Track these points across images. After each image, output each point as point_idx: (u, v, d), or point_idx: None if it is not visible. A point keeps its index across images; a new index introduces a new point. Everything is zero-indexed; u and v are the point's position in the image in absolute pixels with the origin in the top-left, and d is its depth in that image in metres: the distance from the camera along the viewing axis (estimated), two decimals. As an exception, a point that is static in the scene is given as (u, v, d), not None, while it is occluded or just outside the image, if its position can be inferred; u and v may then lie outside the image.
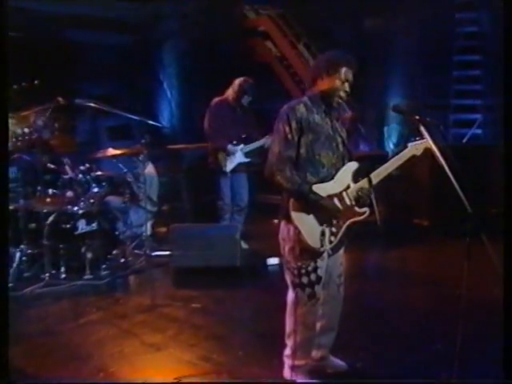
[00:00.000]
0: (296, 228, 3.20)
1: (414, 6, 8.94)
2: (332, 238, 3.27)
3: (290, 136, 3.19)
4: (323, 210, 3.21)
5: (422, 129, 3.22)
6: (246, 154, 6.47)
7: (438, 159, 3.15)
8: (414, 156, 3.32)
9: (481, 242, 3.12)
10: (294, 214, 3.18)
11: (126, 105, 7.36)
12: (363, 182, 3.29)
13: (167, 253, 6.08)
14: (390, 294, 5.19)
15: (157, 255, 6.34)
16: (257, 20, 10.40)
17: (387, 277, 5.79)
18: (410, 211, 7.90)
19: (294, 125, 3.19)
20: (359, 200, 3.30)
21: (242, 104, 6.44)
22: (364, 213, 3.32)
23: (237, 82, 6.42)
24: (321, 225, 3.22)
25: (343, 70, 3.25)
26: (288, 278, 3.38)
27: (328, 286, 3.45)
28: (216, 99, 6.45)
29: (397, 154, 3.36)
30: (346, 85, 3.27)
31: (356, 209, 3.31)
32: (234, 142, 6.40)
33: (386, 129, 9.58)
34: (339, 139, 3.37)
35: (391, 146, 9.51)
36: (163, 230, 7.43)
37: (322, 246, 3.23)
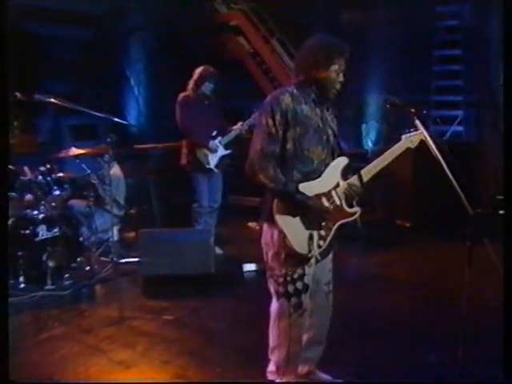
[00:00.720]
0: (281, 232, 2.99)
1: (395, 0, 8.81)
2: (321, 243, 3.07)
3: (273, 130, 2.98)
4: (311, 212, 3.00)
5: (418, 122, 3.10)
6: (226, 146, 6.34)
7: (434, 154, 3.01)
8: (408, 149, 3.16)
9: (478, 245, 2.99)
10: (278, 217, 2.97)
11: (91, 102, 7.16)
12: (353, 179, 3.10)
13: (136, 260, 5.88)
14: (377, 300, 5.03)
15: (125, 262, 6.12)
16: (228, 14, 10.31)
17: (372, 283, 5.62)
18: (392, 211, 7.74)
19: (278, 117, 2.98)
20: (349, 199, 3.11)
21: (205, 93, 6.26)
22: (355, 213, 3.14)
23: (196, 71, 6.28)
24: (308, 228, 3.02)
25: (339, 60, 3.05)
26: (271, 287, 3.17)
27: (315, 295, 3.25)
28: (182, 94, 6.29)
29: (387, 148, 3.17)
30: (341, 75, 3.08)
31: (346, 209, 3.11)
32: (214, 134, 6.26)
33: (364, 126, 9.48)
34: (329, 131, 3.16)
35: (370, 144, 9.40)
36: (131, 235, 7.26)
37: (309, 251, 3.03)
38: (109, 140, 5.68)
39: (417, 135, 3.16)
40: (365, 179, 3.10)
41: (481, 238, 3.05)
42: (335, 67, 3.03)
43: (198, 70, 6.26)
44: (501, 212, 7.63)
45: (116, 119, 5.86)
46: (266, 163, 2.95)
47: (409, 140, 3.16)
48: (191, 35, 9.52)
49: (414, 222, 7.52)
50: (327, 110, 3.18)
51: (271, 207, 2.99)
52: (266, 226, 3.11)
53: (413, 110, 3.11)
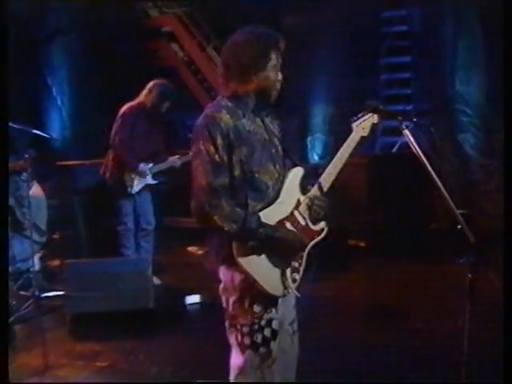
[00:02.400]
0: (245, 275, 2.60)
1: (338, 3, 8.66)
2: (295, 276, 2.71)
3: (217, 157, 2.55)
4: (278, 244, 2.62)
5: (407, 132, 2.77)
6: (155, 176, 6.00)
7: (425, 167, 2.80)
8: (362, 138, 2.84)
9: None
10: (241, 260, 2.57)
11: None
12: (314, 191, 2.74)
13: (61, 294, 5.48)
14: (331, 329, 4.83)
15: (48, 297, 5.72)
16: (160, 19, 10.05)
17: (325, 311, 5.39)
18: (344, 230, 7.49)
19: (219, 141, 2.55)
20: (314, 215, 2.75)
21: (161, 112, 5.93)
22: (322, 230, 2.78)
23: (155, 85, 5.87)
24: (279, 264, 2.66)
25: (275, 53, 2.65)
26: (233, 339, 2.75)
27: (279, 338, 2.81)
28: (130, 105, 5.89)
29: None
30: (279, 73, 2.69)
31: (312, 227, 2.75)
32: (143, 160, 5.90)
33: (309, 139, 9.33)
34: (276, 141, 2.77)
35: (316, 157, 9.24)
36: (55, 263, 6.88)
37: (285, 289, 2.67)
38: (27, 156, 5.45)
39: (366, 120, 2.85)
40: (325, 187, 2.75)
41: (476, 266, 2.68)
42: (273, 63, 2.64)
43: (158, 87, 5.86)
44: (459, 227, 7.54)
45: (35, 132, 5.69)
46: (218, 200, 2.53)
47: (360, 128, 2.83)
48: (120, 41, 9.18)
49: (369, 242, 7.32)
50: (267, 117, 2.80)
51: (228, 248, 2.59)
52: (222, 269, 2.70)
53: (400, 118, 2.77)
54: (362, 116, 2.84)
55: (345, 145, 2.81)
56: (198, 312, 5.42)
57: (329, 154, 8.82)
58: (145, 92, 5.86)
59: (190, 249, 7.52)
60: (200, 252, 7.17)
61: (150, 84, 5.88)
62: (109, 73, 8.46)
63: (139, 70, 6.09)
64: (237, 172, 2.60)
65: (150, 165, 5.91)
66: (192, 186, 2.61)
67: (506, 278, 2.73)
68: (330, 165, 2.77)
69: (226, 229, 2.53)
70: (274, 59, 2.64)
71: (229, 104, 2.63)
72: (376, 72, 8.99)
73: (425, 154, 2.78)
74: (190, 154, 5.93)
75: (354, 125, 2.83)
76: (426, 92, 8.34)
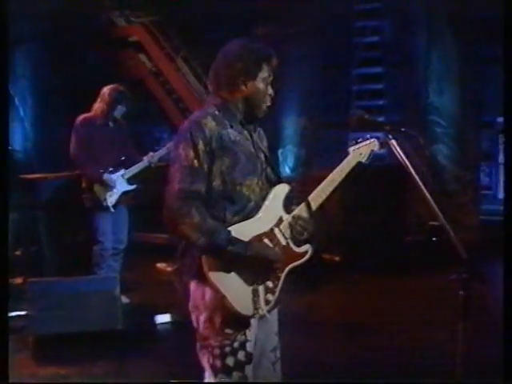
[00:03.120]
0: (215, 291, 2.45)
1: (309, 13, 8.63)
2: (269, 297, 2.55)
3: (196, 163, 2.45)
4: (250, 262, 2.48)
5: (393, 142, 2.68)
6: (130, 180, 5.76)
7: (414, 179, 2.72)
8: (359, 164, 2.75)
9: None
10: (211, 274, 2.44)
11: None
12: (299, 211, 2.61)
13: (24, 314, 5.28)
14: (306, 348, 4.68)
15: (10, 317, 5.30)
16: (128, 28, 9.86)
17: (299, 328, 5.20)
18: (318, 245, 7.38)
19: (201, 147, 2.45)
20: (297, 236, 2.60)
21: (115, 117, 5.73)
22: (305, 253, 2.63)
23: (105, 90, 5.69)
24: (251, 282, 2.50)
25: (267, 66, 2.60)
26: (204, 360, 2.60)
27: (260, 366, 2.69)
28: (82, 116, 5.71)
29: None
30: (269, 87, 2.61)
31: (294, 249, 2.60)
32: (111, 169, 5.66)
33: (280, 151, 9.26)
34: (262, 156, 2.65)
35: (287, 170, 9.13)
36: (17, 281, 6.49)
37: (256, 309, 2.51)
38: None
39: (366, 145, 2.75)
40: (313, 208, 2.62)
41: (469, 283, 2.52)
42: (264, 75, 2.58)
43: (107, 90, 5.69)
44: (434, 239, 7.57)
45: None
46: (188, 207, 2.40)
47: (357, 153, 2.74)
48: (85, 50, 9.02)
49: (344, 256, 7.21)
50: (255, 131, 2.70)
51: (199, 262, 2.45)
52: (193, 285, 2.56)
53: (387, 128, 2.67)
54: (362, 141, 2.75)
55: (338, 168, 2.70)
56: (169, 332, 5.26)
57: (300, 166, 8.75)
58: (98, 100, 5.71)
59: (159, 265, 7.32)
60: (170, 269, 6.97)
61: (104, 90, 5.72)
62: (73, 83, 8.30)
63: (105, 81, 5.91)
64: (216, 182, 2.48)
65: (122, 171, 5.70)
66: (166, 192, 2.47)
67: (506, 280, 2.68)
68: (320, 185, 2.65)
69: (193, 240, 2.41)
70: (265, 72, 2.58)
71: (216, 112, 2.54)
72: (348, 83, 8.99)
73: (413, 166, 2.71)
74: (167, 146, 5.86)
75: (350, 149, 2.73)
76: (399, 103, 8.32)
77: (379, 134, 2.78)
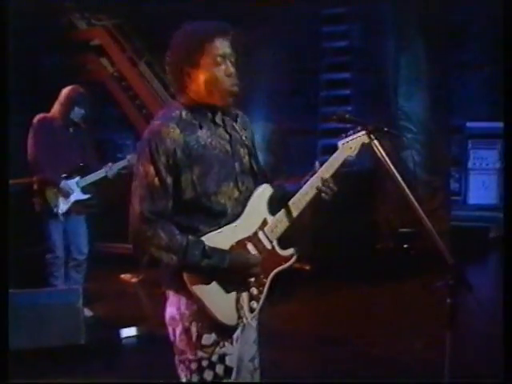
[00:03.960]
0: (194, 301, 2.32)
1: (274, 18, 8.56)
2: (253, 304, 2.43)
3: (156, 181, 2.26)
4: (229, 271, 2.34)
5: (376, 143, 2.56)
6: (84, 189, 5.58)
7: (397, 180, 2.58)
8: (348, 157, 2.59)
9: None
10: (191, 285, 2.31)
11: None
12: (281, 214, 2.46)
13: None
14: (279, 363, 4.49)
15: None
16: (89, 31, 9.58)
17: (270, 342, 5.08)
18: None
19: (163, 161, 2.26)
20: (282, 239, 2.49)
21: (73, 120, 5.55)
22: (291, 256, 2.51)
23: (64, 91, 5.54)
24: (234, 290, 2.37)
25: (221, 41, 2.31)
26: (182, 376, 2.45)
27: (238, 375, 2.54)
28: (40, 116, 5.53)
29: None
30: (230, 65, 2.33)
31: (279, 252, 2.48)
32: (65, 175, 5.49)
33: None
34: (242, 151, 2.47)
35: None
36: None
37: (240, 318, 2.39)
38: None
39: (356, 139, 2.58)
40: (294, 213, 2.47)
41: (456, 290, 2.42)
42: (218, 51, 2.29)
43: (65, 91, 5.54)
44: (405, 246, 7.55)
45: None
46: (152, 230, 2.26)
47: (347, 147, 2.57)
48: (44, 53, 8.86)
49: (314, 264, 7.01)
50: (235, 121, 2.50)
51: (175, 270, 2.32)
52: (170, 295, 2.43)
53: (369, 127, 2.55)
54: (352, 134, 2.59)
55: (325, 165, 2.54)
56: (135, 346, 5.12)
57: (268, 173, 8.62)
58: (56, 101, 5.56)
59: (123, 276, 7.05)
60: (134, 279, 6.79)
61: (62, 91, 5.59)
62: (32, 87, 8.07)
63: (65, 85, 5.74)
64: (188, 194, 2.31)
65: (77, 178, 5.52)
66: (129, 211, 2.31)
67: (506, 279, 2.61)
68: (304, 187, 2.48)
69: (165, 262, 2.27)
70: (220, 47, 2.29)
71: (183, 114, 2.34)
72: (315, 89, 8.92)
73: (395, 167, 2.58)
74: (127, 158, 5.74)
75: (339, 143, 2.58)
76: (367, 109, 8.26)
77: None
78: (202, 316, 2.32)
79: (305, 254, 7.40)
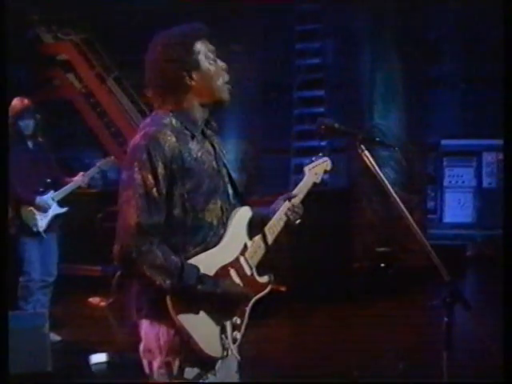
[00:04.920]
0: (177, 331, 2.17)
1: (247, 34, 8.46)
2: (236, 334, 2.31)
3: (155, 192, 2.12)
4: (220, 299, 2.23)
5: (367, 153, 2.49)
6: (60, 203, 5.46)
7: (389, 192, 2.49)
8: (314, 185, 2.61)
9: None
10: (178, 315, 2.16)
11: None
12: (258, 240, 2.39)
13: None
14: None
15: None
16: (56, 45, 9.39)
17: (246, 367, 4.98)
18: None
19: (161, 170, 2.12)
20: (258, 264, 2.39)
21: (24, 133, 5.40)
22: (268, 283, 2.41)
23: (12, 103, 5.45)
24: (219, 320, 2.25)
25: (201, 43, 2.24)
26: None
27: None
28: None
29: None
30: (218, 61, 2.28)
31: (258, 279, 2.38)
32: (41, 190, 5.38)
33: None
34: (224, 170, 2.37)
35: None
36: None
37: (225, 350, 2.26)
38: None
39: (320, 165, 2.63)
40: (270, 239, 2.40)
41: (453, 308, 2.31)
42: (210, 48, 2.24)
43: (12, 103, 5.39)
44: (382, 265, 7.48)
45: None
46: (149, 246, 2.10)
47: (313, 173, 2.60)
48: (8, 68, 8.44)
49: (291, 285, 6.87)
50: (217, 135, 2.41)
51: (156, 297, 2.17)
52: (145, 325, 2.25)
53: (360, 137, 2.46)
54: (316, 160, 2.62)
55: (296, 189, 2.53)
56: (105, 373, 4.92)
57: (241, 192, 8.53)
58: None
59: (91, 300, 6.93)
60: (104, 303, 6.63)
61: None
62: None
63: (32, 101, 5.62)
64: (177, 210, 2.17)
65: (51, 192, 5.39)
66: (118, 223, 2.15)
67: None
68: (277, 214, 2.43)
69: (158, 283, 2.10)
70: (201, 48, 2.22)
71: (173, 121, 2.20)
72: (289, 106, 8.88)
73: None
74: (97, 164, 5.64)
75: (306, 168, 2.59)
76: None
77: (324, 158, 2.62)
78: (185, 348, 2.18)
79: (280, 275, 7.33)
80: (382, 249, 7.26)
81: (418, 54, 7.61)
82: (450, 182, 8.67)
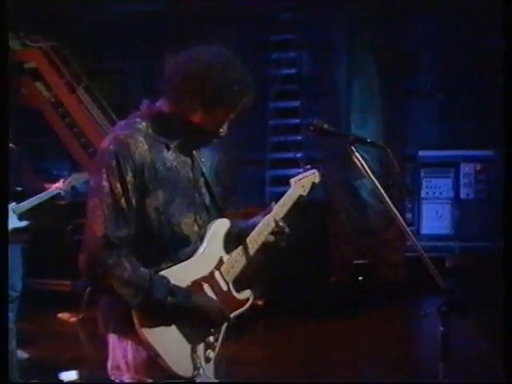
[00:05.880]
0: (148, 347, 2.07)
1: (220, 43, 8.32)
2: (209, 353, 2.22)
3: (123, 202, 2.03)
4: (191, 314, 2.14)
5: (358, 156, 2.47)
6: (22, 216, 5.21)
7: (383, 197, 2.46)
8: (300, 197, 2.56)
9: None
10: (144, 330, 2.05)
11: None
12: (238, 253, 2.31)
13: None
14: None
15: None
16: (24, 53, 9.15)
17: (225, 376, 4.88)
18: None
19: (130, 178, 2.03)
20: (235, 279, 2.33)
21: None
22: (247, 300, 2.35)
23: None
24: (191, 337, 2.16)
25: (241, 102, 2.21)
26: None
27: None
28: None
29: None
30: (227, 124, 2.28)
31: (235, 295, 2.31)
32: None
33: None
34: (202, 183, 2.32)
35: None
36: None
37: (196, 370, 2.16)
38: None
39: (307, 178, 2.58)
40: (251, 252, 2.33)
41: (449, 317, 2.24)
42: (239, 104, 2.19)
43: None
44: (361, 278, 7.40)
45: None
46: (116, 258, 2.00)
47: (299, 185, 2.54)
48: None
49: (268, 299, 6.76)
50: (198, 149, 2.35)
51: (122, 312, 2.06)
52: (113, 340, 2.15)
53: (351, 138, 2.42)
54: (303, 172, 2.58)
55: (281, 202, 2.46)
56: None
57: (220, 204, 8.42)
58: None
59: (61, 316, 6.80)
60: (73, 319, 6.48)
61: None
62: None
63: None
64: (149, 222, 2.07)
65: (13, 204, 5.17)
66: (84, 232, 2.04)
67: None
68: (259, 225, 2.36)
69: (125, 297, 2.00)
70: (240, 108, 2.19)
71: (148, 129, 2.10)
72: (264, 117, 8.75)
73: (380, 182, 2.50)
74: (68, 180, 5.47)
75: (292, 180, 2.54)
76: (318, 138, 8.16)
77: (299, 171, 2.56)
78: (153, 366, 2.07)
79: (258, 290, 7.24)
80: (360, 261, 7.20)
81: (395, 64, 7.58)
82: (428, 193, 8.65)
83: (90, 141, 8.89)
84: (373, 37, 7.50)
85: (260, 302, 6.95)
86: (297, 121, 8.73)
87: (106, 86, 9.17)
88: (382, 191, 2.41)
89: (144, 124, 2.12)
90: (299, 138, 8.64)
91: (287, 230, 2.40)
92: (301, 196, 2.53)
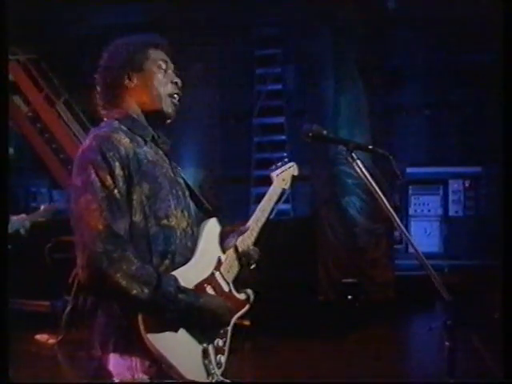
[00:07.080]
0: (157, 358, 1.97)
1: (204, 58, 8.38)
2: (220, 358, 2.16)
3: (116, 193, 1.97)
4: (202, 316, 2.06)
5: (359, 163, 2.38)
6: None
7: (383, 204, 2.35)
8: (283, 191, 2.52)
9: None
10: (151, 336, 1.95)
11: None
12: (231, 253, 2.26)
13: None
14: None
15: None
16: None
17: None
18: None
19: (118, 171, 1.97)
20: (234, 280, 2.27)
21: None
22: (248, 300, 2.29)
23: None
24: (200, 341, 2.09)
25: (155, 52, 2.18)
26: None
27: None
28: None
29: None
30: (178, 79, 2.20)
31: (237, 296, 2.25)
32: None
33: None
34: (182, 181, 2.24)
35: None
36: None
37: (209, 375, 2.09)
38: None
39: (287, 171, 2.53)
40: (240, 250, 2.28)
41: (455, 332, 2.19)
42: (161, 57, 2.17)
43: None
44: (349, 297, 7.34)
45: None
46: (121, 251, 1.92)
47: (280, 179, 2.50)
48: None
49: (254, 319, 6.57)
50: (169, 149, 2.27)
51: (124, 328, 1.99)
52: (114, 359, 2.03)
53: (351, 145, 2.37)
54: (282, 165, 2.51)
55: (266, 197, 2.43)
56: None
57: (205, 205, 8.39)
58: None
59: (39, 337, 6.58)
60: (52, 341, 6.30)
61: None
62: None
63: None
64: (137, 217, 2.01)
65: None
66: (76, 236, 1.94)
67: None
68: (249, 222, 2.34)
69: (133, 294, 1.90)
70: (155, 59, 2.15)
71: (122, 127, 2.07)
72: (248, 133, 8.83)
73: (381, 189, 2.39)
74: (43, 207, 5.32)
75: (273, 174, 2.48)
76: (304, 155, 8.16)
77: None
78: (165, 377, 1.99)
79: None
80: (349, 280, 7.14)
81: (382, 80, 7.61)
82: (416, 210, 8.64)
83: (70, 157, 8.82)
84: (359, 52, 7.51)
85: (247, 322, 6.96)
86: (282, 137, 8.77)
87: (87, 100, 9.15)
88: (384, 199, 2.33)
89: (117, 123, 2.10)
90: (285, 154, 8.65)
91: (256, 256, 2.35)
92: (284, 190, 2.50)
